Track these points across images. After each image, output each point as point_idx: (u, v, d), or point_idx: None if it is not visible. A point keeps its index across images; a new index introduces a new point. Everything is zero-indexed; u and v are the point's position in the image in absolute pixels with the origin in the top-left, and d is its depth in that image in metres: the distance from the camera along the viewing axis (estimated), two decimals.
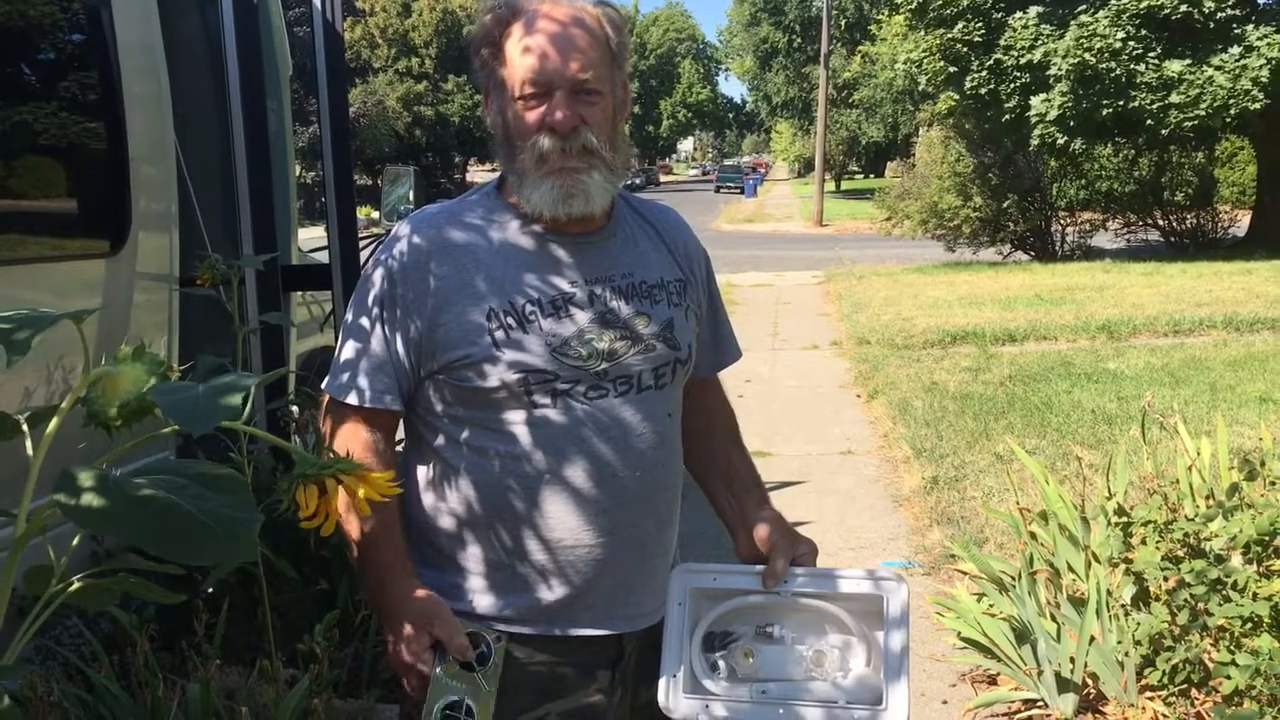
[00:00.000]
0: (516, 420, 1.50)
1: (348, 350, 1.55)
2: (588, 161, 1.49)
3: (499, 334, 1.48)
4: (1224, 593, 2.79)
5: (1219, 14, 15.74)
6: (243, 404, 0.87)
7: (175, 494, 0.83)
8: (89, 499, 0.81)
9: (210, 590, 2.73)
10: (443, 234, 1.55)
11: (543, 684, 1.55)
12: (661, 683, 1.54)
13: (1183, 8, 15.71)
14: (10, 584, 0.92)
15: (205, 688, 2.31)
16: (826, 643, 1.56)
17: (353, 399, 1.52)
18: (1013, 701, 3.19)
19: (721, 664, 1.57)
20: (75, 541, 1.04)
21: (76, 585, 0.99)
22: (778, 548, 1.58)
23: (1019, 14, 17.18)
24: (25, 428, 0.95)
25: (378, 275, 1.54)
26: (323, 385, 1.58)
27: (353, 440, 1.52)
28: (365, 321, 1.54)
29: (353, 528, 1.52)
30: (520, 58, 1.48)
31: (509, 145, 1.52)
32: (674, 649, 1.56)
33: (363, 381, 1.52)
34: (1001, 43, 17.22)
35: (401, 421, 1.60)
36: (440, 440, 1.56)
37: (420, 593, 1.51)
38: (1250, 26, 15.93)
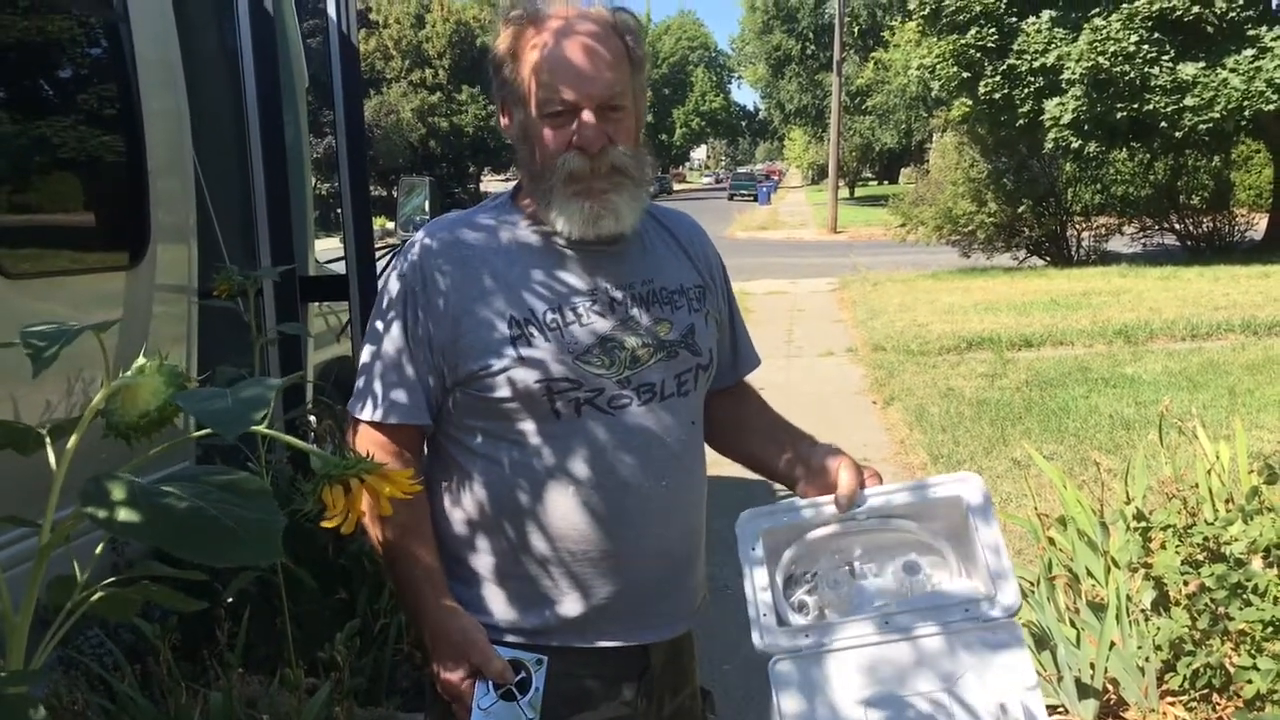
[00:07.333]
0: (537, 430, 1.48)
1: (371, 368, 1.53)
2: (616, 181, 1.47)
3: (520, 342, 1.46)
4: (1245, 597, 2.77)
5: (1230, 15, 15.68)
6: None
7: (200, 500, 0.84)
8: (116, 507, 0.82)
9: (231, 600, 2.75)
10: (458, 239, 1.54)
11: (569, 696, 1.52)
12: (754, 629, 1.48)
13: (1194, 9, 15.66)
14: (35, 593, 0.93)
15: (227, 696, 2.32)
16: (909, 560, 1.55)
17: (378, 416, 1.50)
18: None
19: (808, 600, 1.54)
20: (98, 550, 1.06)
21: (99, 594, 1.00)
22: (844, 470, 1.56)
23: (1032, 18, 17.16)
24: (48, 440, 0.96)
25: (394, 285, 1.53)
26: (349, 406, 1.56)
27: (381, 458, 1.48)
28: (385, 333, 1.52)
29: (395, 565, 1.52)
30: (544, 74, 1.44)
31: (533, 163, 1.49)
32: (754, 595, 1.49)
33: (387, 398, 1.50)
34: (1015, 47, 17.19)
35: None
36: (460, 452, 1.54)
37: (457, 624, 1.49)
38: (1264, 28, 15.86)
